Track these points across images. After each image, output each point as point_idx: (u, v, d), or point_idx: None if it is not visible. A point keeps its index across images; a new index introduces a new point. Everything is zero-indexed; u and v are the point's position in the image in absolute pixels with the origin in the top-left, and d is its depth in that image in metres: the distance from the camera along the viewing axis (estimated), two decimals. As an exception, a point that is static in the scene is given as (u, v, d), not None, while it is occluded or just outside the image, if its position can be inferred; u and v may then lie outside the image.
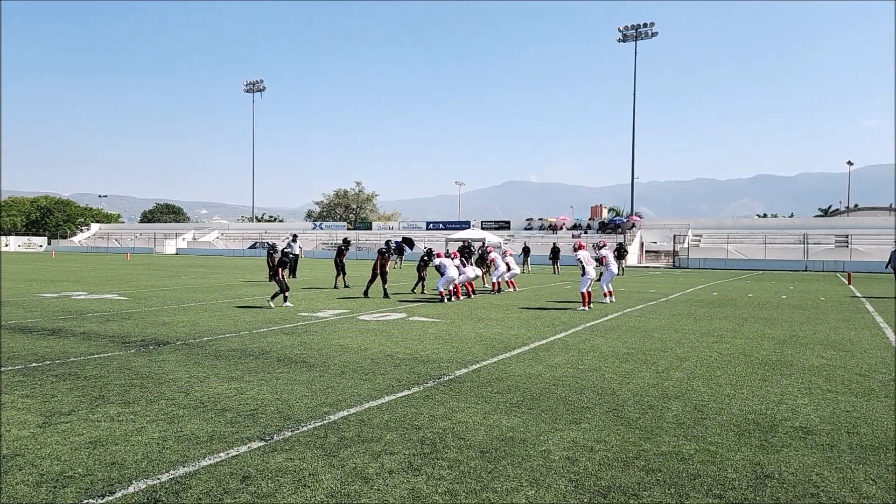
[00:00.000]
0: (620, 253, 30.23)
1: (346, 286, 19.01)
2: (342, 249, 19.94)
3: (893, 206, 75.36)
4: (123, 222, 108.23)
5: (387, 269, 16.33)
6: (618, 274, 28.19)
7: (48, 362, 6.96)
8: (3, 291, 16.28)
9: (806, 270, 39.62)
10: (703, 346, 8.66)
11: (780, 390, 6.05)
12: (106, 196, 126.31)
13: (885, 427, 4.85)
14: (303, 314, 11.97)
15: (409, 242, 20.51)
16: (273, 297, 13.48)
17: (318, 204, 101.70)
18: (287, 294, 13.50)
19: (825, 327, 10.94)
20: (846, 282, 25.54)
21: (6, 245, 78.32)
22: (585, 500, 3.43)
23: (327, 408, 5.19)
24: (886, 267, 20.35)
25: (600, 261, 15.48)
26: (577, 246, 15.16)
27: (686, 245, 46.87)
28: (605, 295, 15.05)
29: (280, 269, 13.57)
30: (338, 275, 19.61)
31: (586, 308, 13.47)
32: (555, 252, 32.36)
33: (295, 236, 25.49)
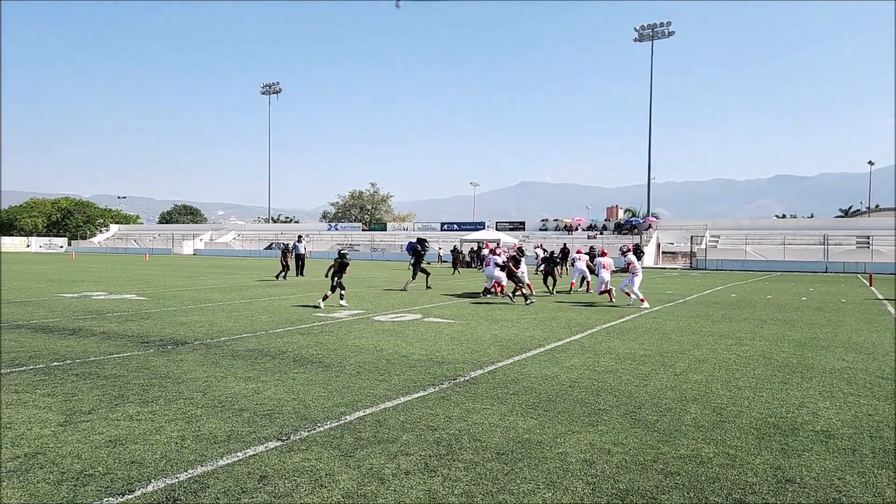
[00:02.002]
0: (637, 254, 30.04)
1: (427, 287, 19.45)
2: (419, 251, 20.00)
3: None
4: (142, 223, 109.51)
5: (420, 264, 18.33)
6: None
7: (69, 361, 7.05)
8: (25, 292, 16.53)
9: (826, 272, 39.08)
10: (721, 349, 8.57)
11: (800, 393, 5.97)
12: (125, 197, 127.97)
13: (910, 431, 4.76)
14: (319, 315, 12.02)
15: (421, 243, 20.73)
16: (325, 298, 13.72)
17: (333, 205, 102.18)
18: (342, 293, 14.03)
19: (846, 329, 10.78)
20: (867, 283, 25.15)
21: (28, 246, 79.55)
22: (603, 503, 3.40)
23: (343, 408, 5.20)
24: None
25: (627, 267, 14.95)
26: (625, 250, 15.71)
27: (703, 246, 46.44)
28: (641, 301, 14.53)
29: (331, 270, 13.93)
30: (414, 276, 19.53)
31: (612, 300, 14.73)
32: (564, 253, 32.30)
33: (300, 237, 26.26)
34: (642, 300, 14.58)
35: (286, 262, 23.69)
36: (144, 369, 6.69)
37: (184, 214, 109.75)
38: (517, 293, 15.52)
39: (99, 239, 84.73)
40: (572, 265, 19.90)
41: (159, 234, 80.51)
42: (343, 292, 13.97)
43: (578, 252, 19.00)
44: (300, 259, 25.33)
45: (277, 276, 23.66)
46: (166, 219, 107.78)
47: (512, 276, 15.93)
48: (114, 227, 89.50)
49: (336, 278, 13.73)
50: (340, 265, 13.87)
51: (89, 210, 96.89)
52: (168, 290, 17.60)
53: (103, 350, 7.84)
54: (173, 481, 3.60)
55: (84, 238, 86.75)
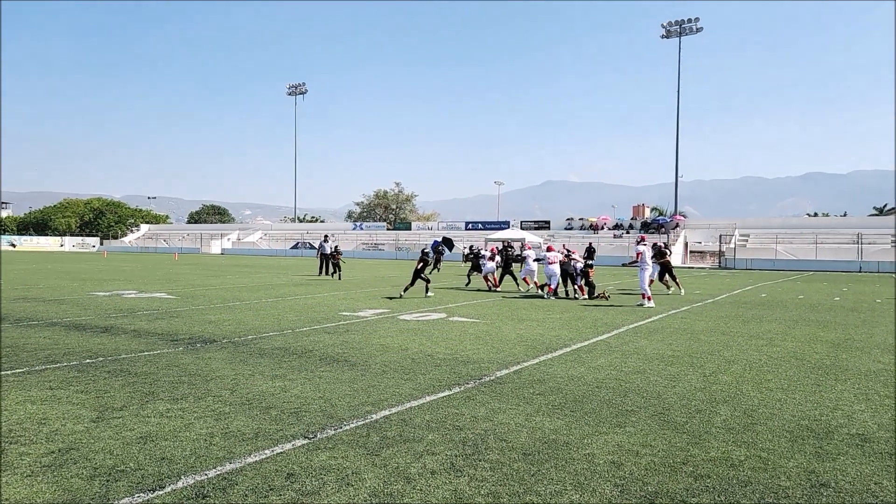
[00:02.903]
0: (662, 253, 29.61)
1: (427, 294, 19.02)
2: (441, 251, 20.89)
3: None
4: (171, 223, 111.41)
5: (422, 272, 16.22)
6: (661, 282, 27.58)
7: (101, 359, 7.20)
8: (59, 290, 16.91)
9: (860, 272, 38.16)
10: (751, 349, 8.41)
11: (834, 396, 5.83)
12: (155, 198, 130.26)
13: (950, 436, 4.61)
14: (344, 313, 12.09)
15: (448, 243, 20.70)
16: (406, 289, 15.78)
17: (358, 204, 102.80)
18: (428, 286, 16.40)
19: (882, 331, 10.50)
20: (904, 283, 24.49)
21: (61, 245, 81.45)
22: (631, 506, 3.35)
23: (369, 407, 5.22)
24: None
25: (637, 258, 14.74)
26: (638, 240, 16.04)
27: (732, 245, 45.68)
28: (643, 297, 14.34)
29: (420, 266, 15.78)
30: (413, 282, 19.59)
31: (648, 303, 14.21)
32: (589, 252, 32.06)
33: (326, 237, 26.63)
34: (644, 296, 14.31)
35: (335, 260, 24.31)
36: (174, 367, 6.79)
37: (212, 214, 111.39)
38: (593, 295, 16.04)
39: (130, 238, 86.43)
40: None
41: (188, 234, 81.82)
42: (427, 285, 16.33)
43: (550, 250, 18.40)
44: (326, 258, 25.54)
45: (320, 274, 25.15)
46: (195, 219, 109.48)
47: (581, 278, 16.35)
48: (144, 227, 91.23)
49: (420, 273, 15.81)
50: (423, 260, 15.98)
51: (120, 210, 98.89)
52: (197, 289, 17.87)
53: (134, 348, 7.98)
54: (202, 478, 3.65)
55: (115, 238, 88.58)
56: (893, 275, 33.84)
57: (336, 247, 25.11)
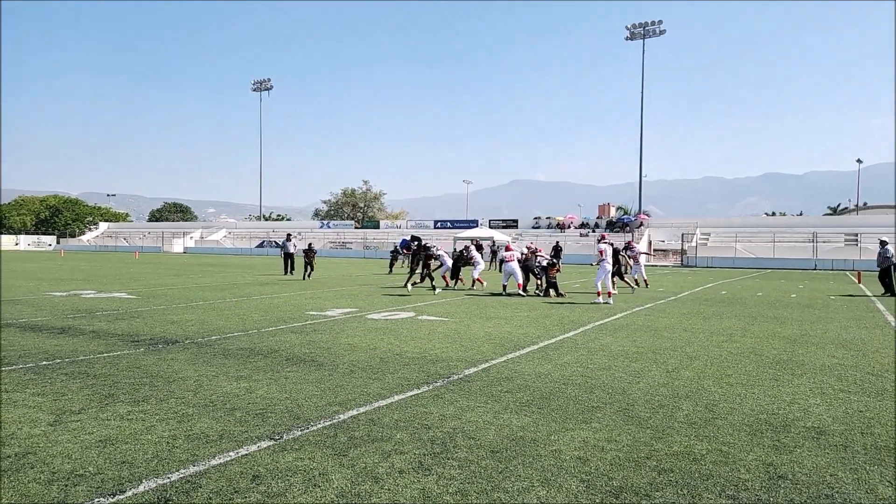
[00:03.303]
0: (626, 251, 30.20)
1: (405, 285, 19.55)
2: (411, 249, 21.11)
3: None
4: (132, 221, 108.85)
5: (429, 266, 18.34)
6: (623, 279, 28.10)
7: (58, 361, 6.99)
8: (13, 290, 16.38)
9: (815, 269, 39.35)
10: (713, 345, 8.60)
11: (791, 390, 6.00)
12: (114, 195, 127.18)
13: (900, 427, 4.79)
14: (311, 313, 11.98)
15: (416, 241, 20.86)
16: (413, 284, 17.16)
17: (325, 203, 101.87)
18: (410, 279, 17.86)
19: (836, 326, 10.86)
20: (856, 281, 25.35)
21: (16, 244, 78.88)
22: (597, 501, 3.40)
23: (337, 407, 5.18)
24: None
25: (600, 256, 15.10)
26: (599, 238, 16.59)
27: (694, 243, 46.65)
28: (597, 294, 14.62)
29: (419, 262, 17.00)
30: (411, 273, 19.52)
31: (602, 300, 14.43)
32: (556, 251, 32.50)
33: (289, 236, 26.18)
34: (598, 294, 14.64)
35: (308, 259, 23.53)
36: (135, 368, 6.64)
37: (174, 212, 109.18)
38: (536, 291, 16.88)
39: (88, 237, 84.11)
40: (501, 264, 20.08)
41: (149, 233, 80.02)
42: (410, 277, 17.84)
43: (508, 249, 18.63)
44: (290, 258, 25.16)
45: (286, 273, 24.62)
46: (156, 217, 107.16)
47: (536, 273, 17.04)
48: (103, 225, 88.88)
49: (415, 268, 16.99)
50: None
51: (78, 208, 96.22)
52: (158, 289, 17.49)
53: (93, 349, 7.77)
54: (165, 481, 3.58)
55: (73, 236, 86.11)
56: (847, 272, 34.98)
57: (310, 245, 24.74)
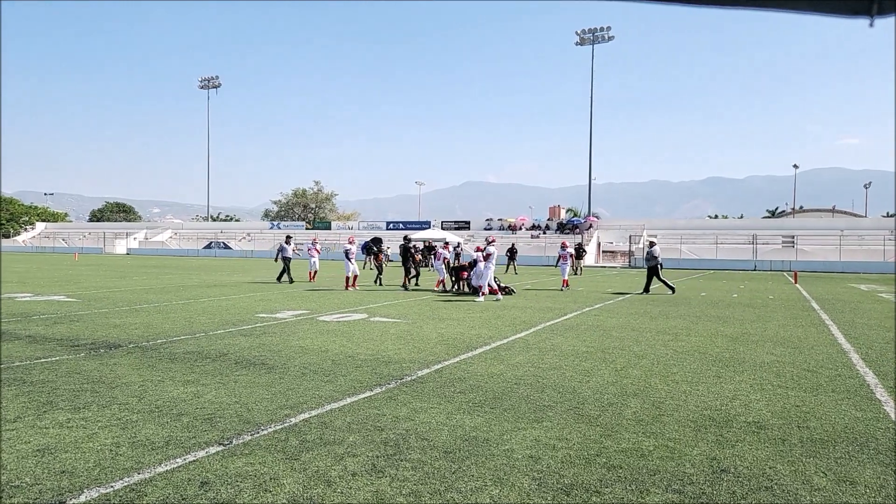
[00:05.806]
0: (579, 253, 30.78)
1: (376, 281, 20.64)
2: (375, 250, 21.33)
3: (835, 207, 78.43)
4: (71, 221, 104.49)
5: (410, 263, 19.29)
6: (576, 274, 28.65)
7: (-9, 367, 6.66)
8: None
9: (755, 270, 40.90)
10: (659, 344, 8.85)
11: (733, 386, 6.23)
12: (52, 194, 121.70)
13: (834, 421, 5.03)
14: (261, 315, 11.76)
15: (377, 242, 21.22)
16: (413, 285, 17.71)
17: (275, 203, 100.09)
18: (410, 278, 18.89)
19: (774, 325, 11.31)
20: (793, 281, 26.47)
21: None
22: (549, 498, 3.46)
23: (288, 410, 5.10)
24: None
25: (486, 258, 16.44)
26: (489, 240, 18.00)
27: (641, 245, 47.82)
28: (488, 290, 16.12)
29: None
30: (407, 273, 19.54)
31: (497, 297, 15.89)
32: (511, 252, 32.89)
33: (288, 237, 22.99)
34: (488, 291, 16.13)
35: (378, 261, 22.37)
36: (75, 374, 6.38)
37: (116, 212, 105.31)
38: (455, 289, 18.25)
39: (24, 238, 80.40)
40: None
41: (90, 233, 77.03)
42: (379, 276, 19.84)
43: (445, 248, 20.50)
44: (288, 262, 22.70)
45: (280, 279, 21.68)
46: (97, 216, 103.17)
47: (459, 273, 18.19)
48: (40, 226, 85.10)
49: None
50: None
51: (13, 207, 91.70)
52: (100, 291, 16.86)
53: (30, 354, 7.44)
54: (108, 490, 3.45)
55: (7, 237, 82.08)
56: (784, 273, 36.47)
57: (377, 239, 23.98)
